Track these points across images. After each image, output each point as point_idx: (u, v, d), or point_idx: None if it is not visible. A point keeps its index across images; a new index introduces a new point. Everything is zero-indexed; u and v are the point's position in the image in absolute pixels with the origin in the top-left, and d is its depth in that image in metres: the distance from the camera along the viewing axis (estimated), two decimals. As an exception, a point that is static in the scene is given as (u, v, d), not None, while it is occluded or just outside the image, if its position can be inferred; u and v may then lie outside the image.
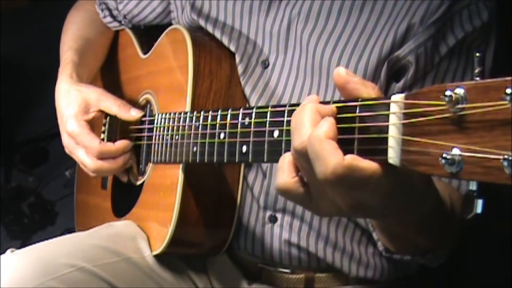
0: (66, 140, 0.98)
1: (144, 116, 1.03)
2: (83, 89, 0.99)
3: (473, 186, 0.47)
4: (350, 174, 0.51)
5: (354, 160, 0.51)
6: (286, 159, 0.58)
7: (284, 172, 0.57)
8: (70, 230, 1.08)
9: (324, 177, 0.51)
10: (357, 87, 0.55)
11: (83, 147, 0.95)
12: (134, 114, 0.97)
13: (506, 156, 0.42)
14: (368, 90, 0.55)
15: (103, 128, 1.09)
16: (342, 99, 0.57)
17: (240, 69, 0.92)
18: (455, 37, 0.80)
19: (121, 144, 0.96)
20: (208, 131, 0.77)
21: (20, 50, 1.99)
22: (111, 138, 1.01)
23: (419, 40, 0.79)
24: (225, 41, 0.93)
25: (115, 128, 1.04)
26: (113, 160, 0.96)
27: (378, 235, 0.76)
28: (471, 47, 0.81)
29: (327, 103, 0.57)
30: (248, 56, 0.92)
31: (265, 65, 0.91)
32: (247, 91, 0.91)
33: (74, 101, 0.97)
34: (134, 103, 1.06)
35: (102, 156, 0.94)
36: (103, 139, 1.07)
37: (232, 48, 0.92)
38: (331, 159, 0.51)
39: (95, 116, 0.98)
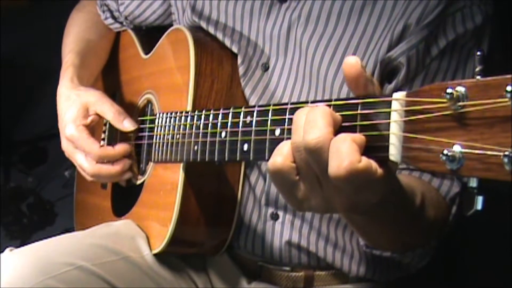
0: (65, 145, 0.98)
1: (145, 116, 1.04)
2: (82, 93, 0.99)
3: (473, 182, 0.47)
4: (362, 176, 0.51)
5: (369, 163, 0.52)
6: (287, 145, 0.57)
7: (281, 155, 0.57)
8: (69, 230, 1.08)
9: (337, 173, 0.51)
10: (367, 83, 0.55)
11: (82, 151, 0.95)
12: (127, 125, 0.96)
13: (506, 153, 0.43)
14: (374, 88, 0.55)
15: (104, 128, 1.09)
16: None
17: (241, 70, 0.92)
18: (446, 38, 0.80)
19: (121, 147, 0.96)
20: (209, 129, 0.77)
21: (20, 50, 1.99)
22: (112, 138, 1.01)
23: (411, 42, 0.80)
24: (227, 42, 0.94)
25: (116, 128, 1.05)
26: (112, 165, 0.96)
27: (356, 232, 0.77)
28: (463, 49, 0.81)
29: (329, 101, 0.57)
30: (248, 58, 0.92)
31: (265, 68, 0.91)
32: (247, 93, 0.92)
33: (73, 105, 0.97)
34: (135, 103, 1.07)
35: (101, 160, 0.94)
36: (103, 139, 1.07)
37: (235, 49, 0.93)
38: (350, 156, 0.51)
39: (93, 119, 0.97)
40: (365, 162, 0.52)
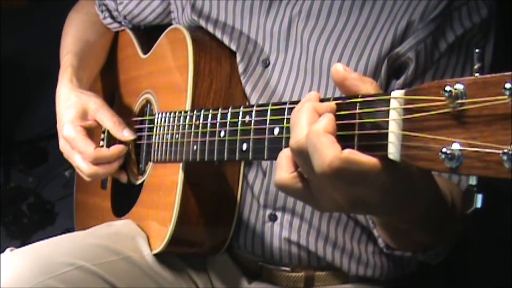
0: (62, 145, 0.98)
1: (144, 115, 1.03)
2: (83, 96, 0.99)
3: (473, 181, 0.47)
4: (347, 167, 0.51)
5: (351, 154, 0.52)
6: (284, 154, 0.58)
7: (282, 168, 0.58)
8: (70, 230, 1.08)
9: (322, 170, 0.52)
10: (355, 83, 0.55)
11: (78, 152, 0.95)
12: (126, 135, 0.97)
13: (505, 151, 0.42)
14: (367, 86, 0.55)
15: (103, 128, 1.09)
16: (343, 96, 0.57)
17: (240, 68, 0.92)
18: (454, 33, 0.80)
19: (116, 149, 0.96)
20: (208, 129, 0.77)
21: (20, 50, 1.99)
22: (111, 139, 1.01)
23: (419, 36, 0.80)
24: (226, 40, 0.94)
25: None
26: (108, 165, 0.96)
27: (379, 232, 0.76)
28: (471, 43, 0.81)
29: (328, 100, 0.57)
30: (249, 55, 0.92)
31: (266, 64, 0.91)
32: (248, 90, 0.91)
33: (73, 106, 0.97)
34: (133, 103, 1.07)
35: (97, 162, 0.94)
36: (102, 139, 1.07)
37: (233, 47, 0.93)
38: (328, 152, 0.51)
39: (91, 124, 0.98)
40: (347, 153, 0.51)
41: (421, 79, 0.82)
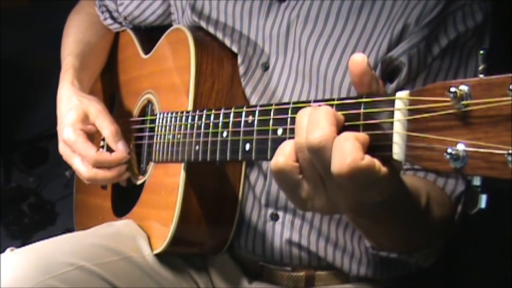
0: (62, 148, 0.98)
1: (145, 115, 1.03)
2: (85, 100, 0.99)
3: (477, 181, 0.47)
4: (365, 173, 0.51)
5: (372, 161, 0.51)
6: (289, 145, 0.57)
7: (284, 154, 0.56)
8: (70, 230, 1.08)
9: (339, 171, 0.51)
10: (372, 81, 0.54)
11: (79, 155, 0.95)
12: (120, 147, 0.96)
13: (510, 151, 0.43)
14: (378, 87, 0.55)
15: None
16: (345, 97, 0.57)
17: (241, 70, 0.92)
18: (447, 37, 0.81)
19: (118, 154, 0.95)
20: (210, 129, 0.77)
21: (20, 50, 1.99)
22: None
23: (412, 41, 0.80)
24: (227, 42, 0.94)
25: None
26: (108, 170, 0.95)
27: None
28: (464, 47, 0.82)
29: (331, 100, 0.57)
30: (249, 58, 0.92)
31: (265, 67, 0.91)
32: (248, 92, 0.92)
33: (74, 109, 0.97)
34: (135, 103, 1.07)
35: (98, 165, 0.94)
36: (102, 146, 1.07)
37: (235, 49, 0.93)
38: (353, 154, 0.51)
39: (91, 129, 0.97)
40: (368, 160, 0.51)
41: (413, 83, 0.82)
